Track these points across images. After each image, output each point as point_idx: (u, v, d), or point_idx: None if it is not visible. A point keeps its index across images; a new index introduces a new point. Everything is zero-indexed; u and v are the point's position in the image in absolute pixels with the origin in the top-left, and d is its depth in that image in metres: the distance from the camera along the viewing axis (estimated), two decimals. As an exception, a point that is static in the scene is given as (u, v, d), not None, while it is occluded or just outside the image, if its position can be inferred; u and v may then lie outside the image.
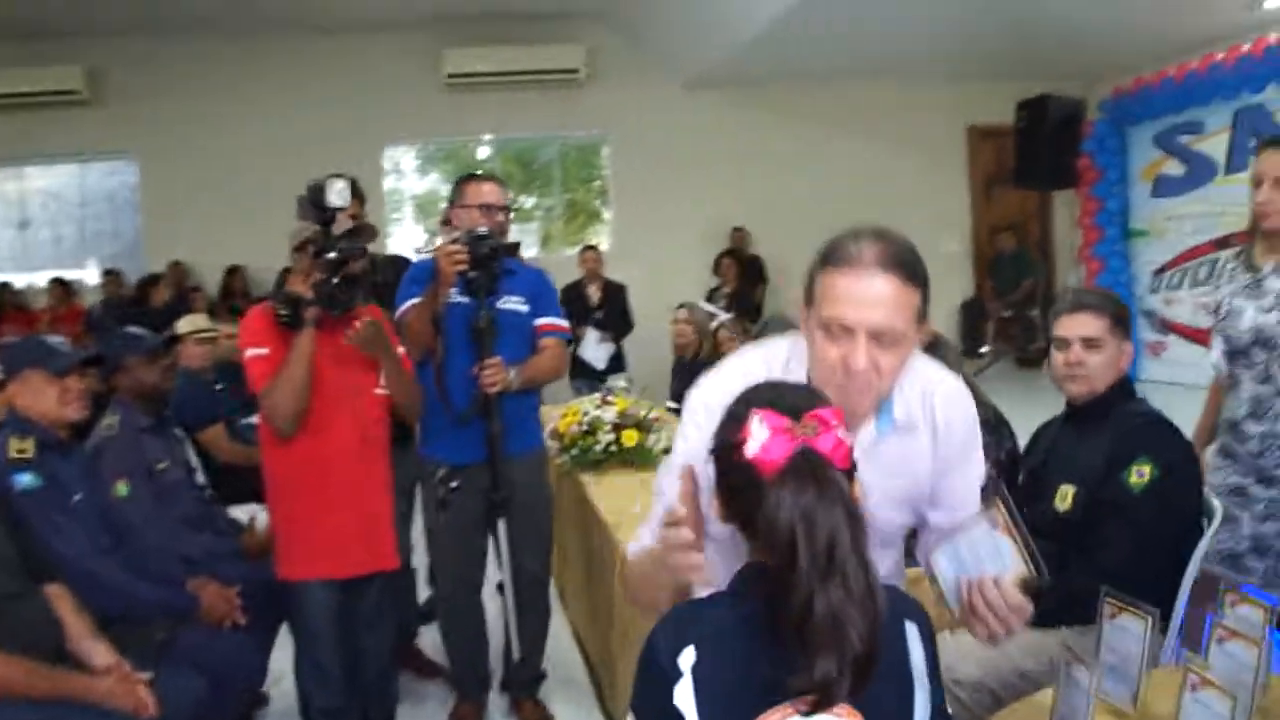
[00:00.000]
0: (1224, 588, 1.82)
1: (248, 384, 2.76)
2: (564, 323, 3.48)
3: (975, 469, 1.72)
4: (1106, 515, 2.34)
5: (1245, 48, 6.70)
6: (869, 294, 1.47)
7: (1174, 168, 7.59)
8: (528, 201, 10.38)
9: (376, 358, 2.79)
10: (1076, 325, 2.52)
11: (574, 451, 3.96)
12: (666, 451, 4.04)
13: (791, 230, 9.78)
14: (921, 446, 1.66)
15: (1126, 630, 1.73)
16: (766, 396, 1.30)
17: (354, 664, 2.91)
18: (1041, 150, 8.02)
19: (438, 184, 10.70)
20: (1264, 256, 2.73)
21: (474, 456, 3.14)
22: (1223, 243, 7.10)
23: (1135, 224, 8.03)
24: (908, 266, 1.50)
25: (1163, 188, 7.71)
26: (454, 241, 3.02)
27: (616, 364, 7.79)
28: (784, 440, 1.21)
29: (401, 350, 2.94)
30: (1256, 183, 2.66)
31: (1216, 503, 2.53)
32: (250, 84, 9.07)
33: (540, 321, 3.35)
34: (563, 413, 4.20)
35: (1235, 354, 2.78)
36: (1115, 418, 2.49)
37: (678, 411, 5.20)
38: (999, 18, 7.62)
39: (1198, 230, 7.41)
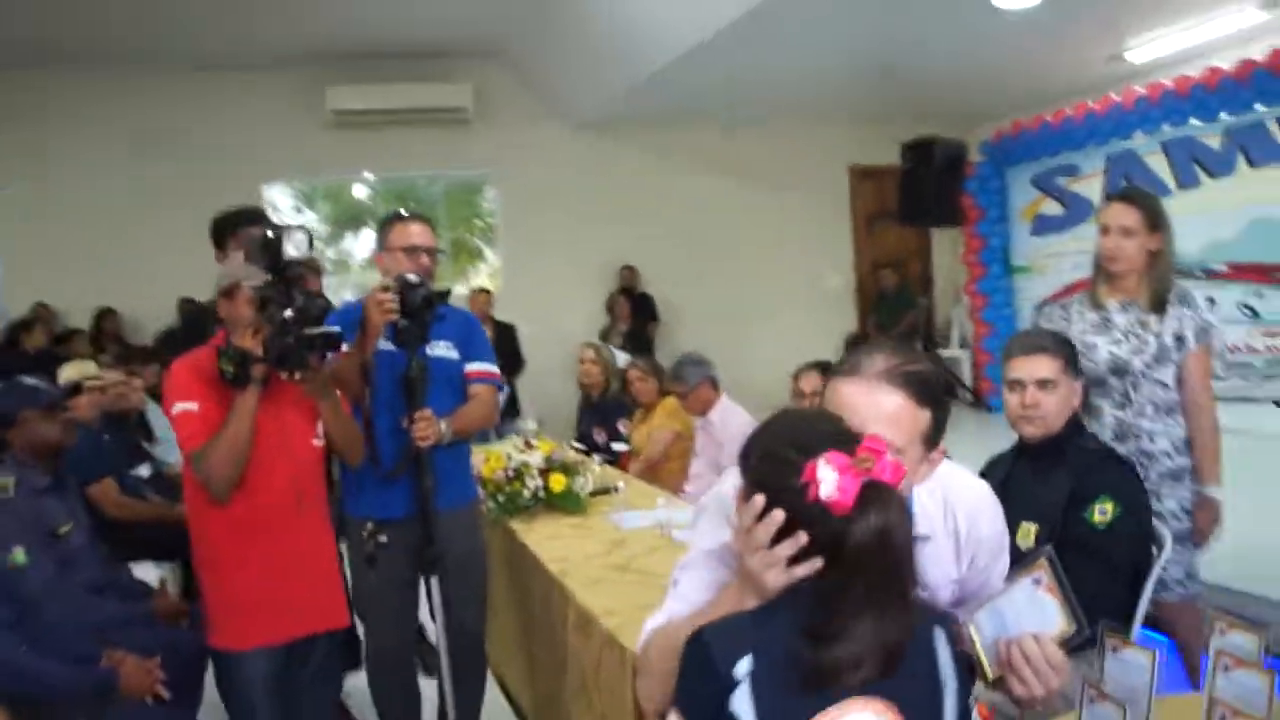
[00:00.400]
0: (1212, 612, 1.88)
1: (138, 434, 2.58)
2: (495, 368, 3.37)
3: (1003, 565, 1.75)
4: (1071, 551, 2.37)
5: (1116, 97, 7.06)
6: (868, 405, 1.47)
7: (1052, 207, 7.93)
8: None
9: (318, 405, 2.63)
10: (1031, 367, 2.59)
11: (500, 499, 3.83)
12: (594, 494, 4.00)
13: (680, 269, 9.93)
14: (942, 553, 1.69)
15: (1129, 664, 1.75)
16: (819, 438, 1.31)
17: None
18: (927, 190, 8.27)
19: (315, 224, 10.40)
20: (1109, 296, 3.03)
21: (403, 511, 2.99)
22: (1101, 278, 7.44)
23: (1017, 260, 8.35)
24: (916, 385, 1.50)
25: (1042, 226, 8.04)
26: (385, 289, 2.89)
27: (511, 405, 7.68)
28: (852, 478, 1.26)
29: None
30: (1104, 231, 2.99)
31: (1165, 530, 2.63)
32: (123, 120, 8.63)
33: (471, 368, 3.24)
34: (484, 458, 4.06)
35: (1092, 384, 2.99)
36: (1071, 455, 2.54)
37: (586, 451, 5.15)
38: (878, 65, 7.88)
39: (1076, 266, 7.70)
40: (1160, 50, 7.55)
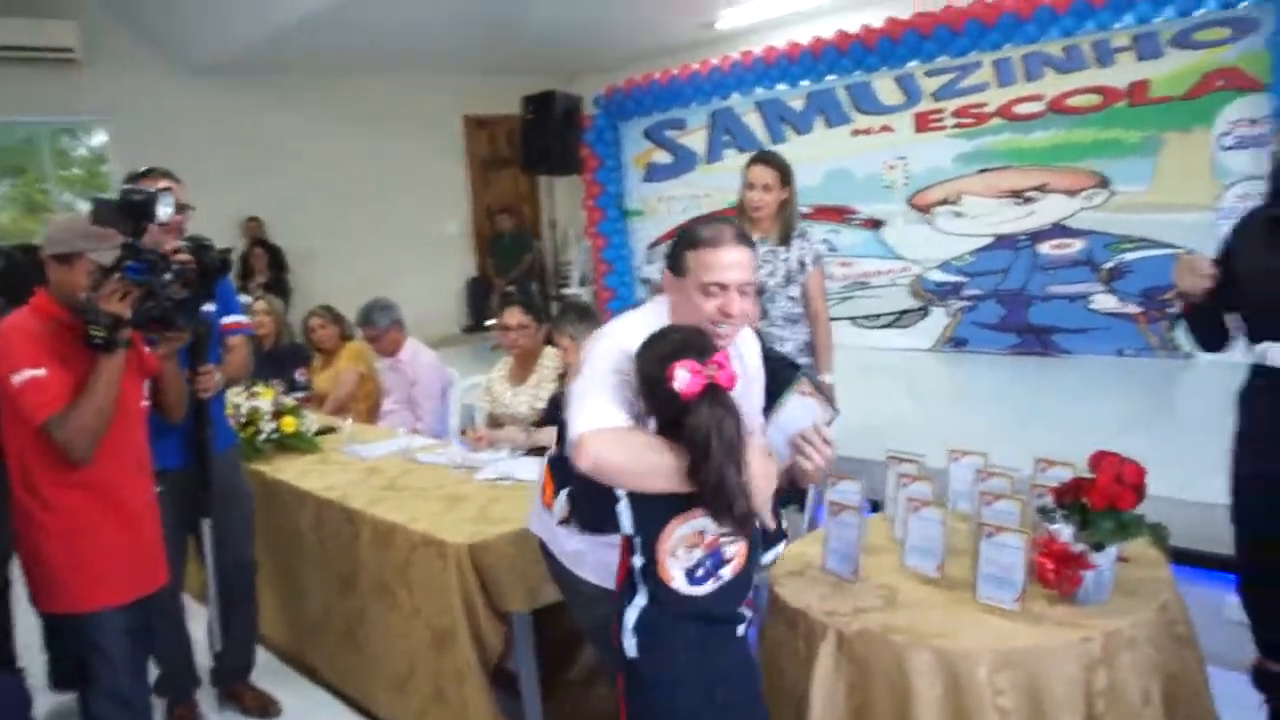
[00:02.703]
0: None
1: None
2: (247, 319, 3.57)
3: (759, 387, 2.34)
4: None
5: (715, 61, 8.09)
6: (738, 260, 2.05)
7: (662, 157, 8.86)
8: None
9: (162, 365, 2.76)
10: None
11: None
12: (321, 433, 4.25)
13: (307, 218, 9.92)
14: (751, 395, 2.26)
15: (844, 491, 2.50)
16: (683, 349, 1.86)
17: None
18: (548, 140, 8.92)
19: None
20: (750, 233, 3.81)
21: (176, 462, 3.15)
22: (706, 220, 8.52)
23: (631, 205, 9.22)
24: (749, 238, 2.11)
25: (653, 174, 8.96)
26: (176, 251, 2.99)
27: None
28: (699, 379, 1.81)
29: None
30: (749, 186, 3.85)
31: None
32: None
33: (227, 320, 3.40)
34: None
35: None
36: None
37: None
38: (489, 20, 8.52)
39: (685, 210, 8.75)
40: (742, 20, 8.77)
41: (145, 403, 2.75)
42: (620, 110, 8.97)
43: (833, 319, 7.15)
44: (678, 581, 1.89)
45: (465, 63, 10.22)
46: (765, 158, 3.98)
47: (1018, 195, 6.62)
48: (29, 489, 2.54)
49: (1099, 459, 2.17)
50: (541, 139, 9.04)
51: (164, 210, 2.56)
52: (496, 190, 11.67)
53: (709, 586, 1.91)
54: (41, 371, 2.42)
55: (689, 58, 8.64)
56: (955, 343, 7.19)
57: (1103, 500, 2.10)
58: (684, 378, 1.80)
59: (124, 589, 2.63)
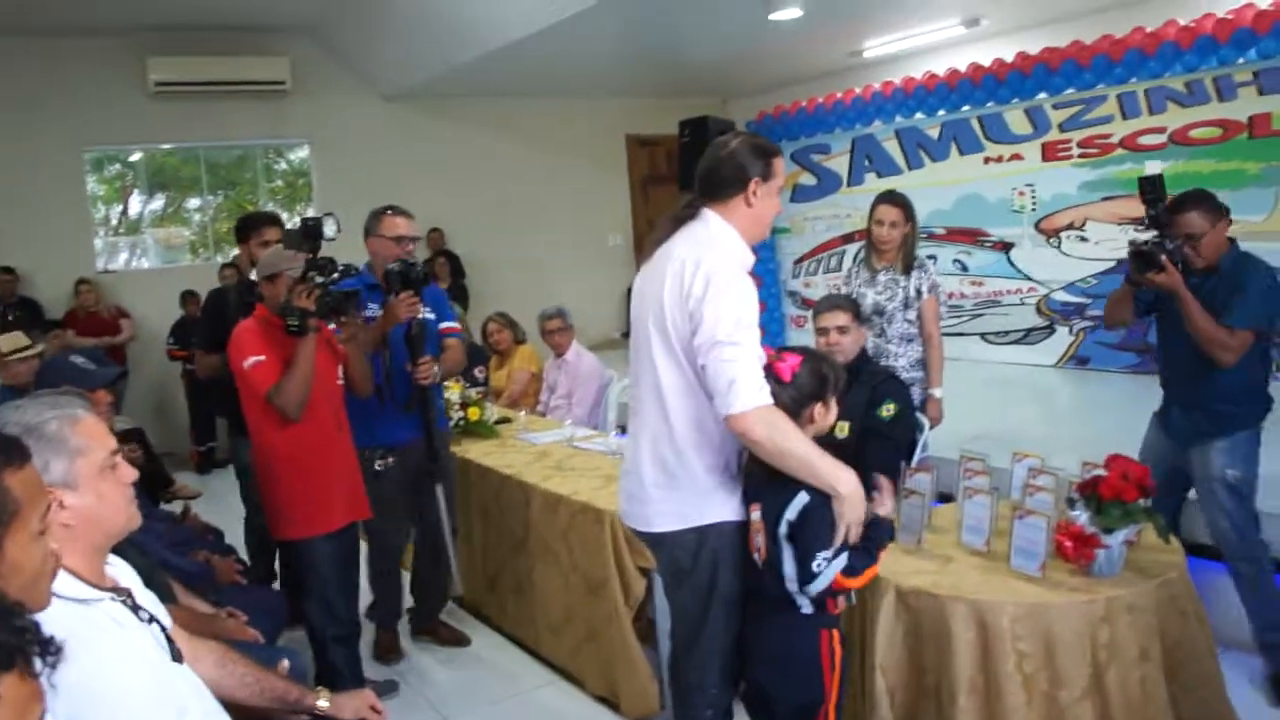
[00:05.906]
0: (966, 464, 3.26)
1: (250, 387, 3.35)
2: (459, 325, 4.39)
3: None
4: (870, 437, 3.70)
5: (857, 90, 8.64)
6: None
7: (808, 179, 9.45)
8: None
9: (347, 347, 3.56)
10: (833, 319, 3.84)
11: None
12: (499, 422, 5.04)
13: (483, 229, 10.87)
14: None
15: (918, 479, 3.10)
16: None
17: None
18: (703, 161, 9.59)
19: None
20: (876, 263, 4.44)
21: (406, 438, 3.94)
22: (847, 239, 9.10)
23: (779, 223, 9.79)
24: None
25: (800, 194, 9.55)
26: (404, 291, 3.78)
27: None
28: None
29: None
30: (878, 223, 4.37)
31: (923, 419, 4.05)
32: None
33: (443, 325, 4.22)
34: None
35: (861, 321, 4.19)
36: (864, 375, 3.83)
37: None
38: (660, 57, 9.28)
39: (828, 229, 9.34)
40: (887, 50, 9.28)
41: (340, 382, 3.59)
42: (770, 134, 9.55)
43: (964, 335, 7.72)
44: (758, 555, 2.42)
45: (627, 88, 11.08)
46: (891, 197, 4.46)
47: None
48: (264, 446, 3.42)
49: (1111, 460, 2.73)
50: (697, 160, 9.68)
51: (329, 229, 3.38)
52: (656, 205, 12.35)
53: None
54: (262, 357, 3.31)
55: (833, 85, 9.22)
56: (1078, 360, 7.55)
57: (1111, 492, 2.67)
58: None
59: (332, 519, 3.47)
